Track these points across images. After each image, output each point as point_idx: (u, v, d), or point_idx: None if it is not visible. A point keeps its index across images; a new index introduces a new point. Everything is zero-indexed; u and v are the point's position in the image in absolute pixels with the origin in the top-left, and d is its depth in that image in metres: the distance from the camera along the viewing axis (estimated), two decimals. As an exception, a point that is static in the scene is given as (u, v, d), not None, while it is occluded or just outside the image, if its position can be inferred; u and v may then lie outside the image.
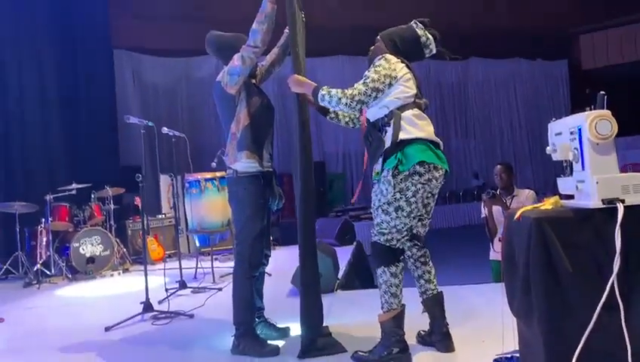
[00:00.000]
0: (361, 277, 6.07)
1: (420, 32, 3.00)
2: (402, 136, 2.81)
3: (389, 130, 2.85)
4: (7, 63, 8.04)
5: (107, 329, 3.91)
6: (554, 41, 16.44)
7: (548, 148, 2.10)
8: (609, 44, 17.06)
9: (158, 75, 12.60)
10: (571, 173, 2.01)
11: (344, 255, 6.00)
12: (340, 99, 2.85)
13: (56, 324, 4.37)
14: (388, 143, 2.85)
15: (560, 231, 1.81)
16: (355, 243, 7.28)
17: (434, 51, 3.04)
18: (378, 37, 3.09)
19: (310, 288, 3.11)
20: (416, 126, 2.85)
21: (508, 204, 4.59)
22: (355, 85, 2.87)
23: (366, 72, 2.92)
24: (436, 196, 2.97)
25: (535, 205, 1.98)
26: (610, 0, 16.01)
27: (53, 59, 8.50)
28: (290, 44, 3.18)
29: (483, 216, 4.75)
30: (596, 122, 1.83)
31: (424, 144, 2.84)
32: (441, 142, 2.95)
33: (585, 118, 1.86)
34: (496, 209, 4.64)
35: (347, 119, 3.31)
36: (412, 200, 2.83)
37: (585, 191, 1.89)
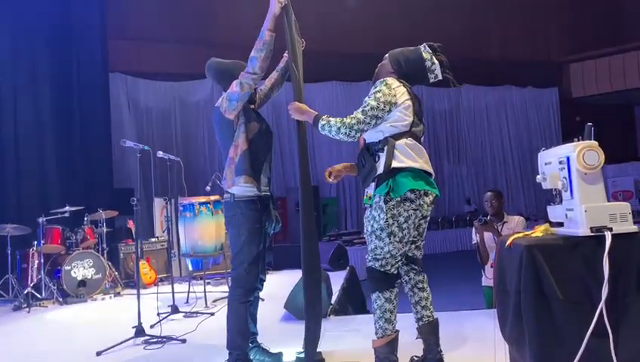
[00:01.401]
0: (353, 302, 6.06)
1: (425, 55, 3.01)
2: (395, 164, 2.84)
3: (382, 156, 2.88)
4: (2, 84, 8.07)
5: (98, 353, 3.88)
6: (544, 70, 16.70)
7: (538, 176, 2.15)
8: (598, 73, 17.33)
9: (152, 99, 12.64)
10: (561, 202, 2.06)
11: (337, 280, 5.99)
12: (339, 128, 2.88)
13: (46, 349, 4.34)
14: (380, 170, 2.88)
15: (550, 258, 1.86)
16: (348, 268, 7.28)
17: (439, 77, 3.04)
18: (386, 55, 3.12)
19: (316, 314, 3.14)
20: (410, 156, 2.88)
21: (499, 231, 4.64)
22: (355, 113, 2.89)
23: (366, 98, 2.93)
24: (428, 218, 3.00)
25: (526, 232, 2.02)
26: (599, 30, 16.35)
27: (49, 82, 8.51)
28: (290, 72, 3.24)
29: (474, 242, 4.79)
30: (584, 153, 1.89)
31: (415, 172, 2.87)
32: (432, 172, 2.97)
33: (573, 149, 1.92)
34: (488, 235, 4.68)
35: None
36: (404, 225, 2.86)
37: (574, 220, 1.93)
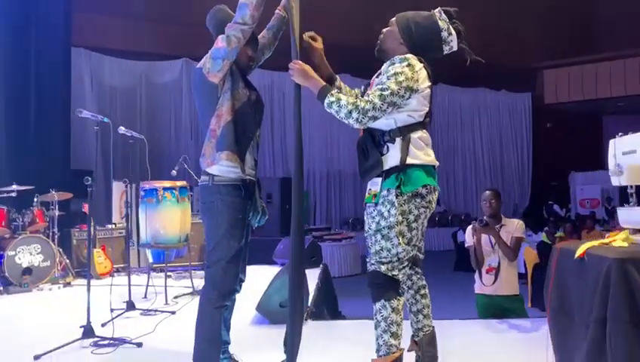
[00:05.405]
0: (328, 304, 5.59)
1: (442, 24, 2.58)
2: (409, 160, 2.47)
3: (393, 149, 2.48)
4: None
5: (36, 357, 3.28)
6: (519, 74, 16.64)
7: (611, 168, 1.69)
8: (571, 80, 17.42)
9: (117, 77, 12.10)
10: (639, 203, 1.61)
11: (310, 279, 5.49)
12: (350, 112, 2.41)
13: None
14: (389, 165, 2.48)
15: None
16: (321, 265, 6.79)
17: (454, 48, 2.64)
18: (393, 19, 2.67)
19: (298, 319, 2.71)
20: (424, 150, 2.53)
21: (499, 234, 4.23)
22: (370, 97, 2.43)
23: (383, 79, 2.47)
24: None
25: (602, 241, 1.55)
26: (574, 39, 16.41)
27: (4, 50, 7.78)
28: (289, 17, 2.70)
29: (469, 244, 4.37)
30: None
31: (425, 167, 2.52)
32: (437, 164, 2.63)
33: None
34: (484, 238, 4.28)
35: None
36: (413, 225, 2.50)
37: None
